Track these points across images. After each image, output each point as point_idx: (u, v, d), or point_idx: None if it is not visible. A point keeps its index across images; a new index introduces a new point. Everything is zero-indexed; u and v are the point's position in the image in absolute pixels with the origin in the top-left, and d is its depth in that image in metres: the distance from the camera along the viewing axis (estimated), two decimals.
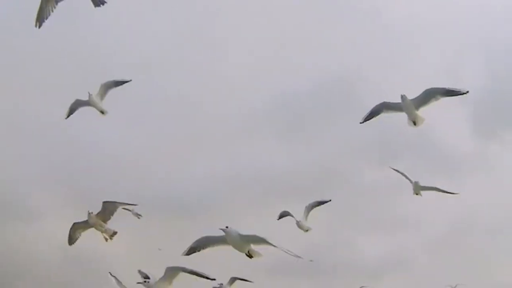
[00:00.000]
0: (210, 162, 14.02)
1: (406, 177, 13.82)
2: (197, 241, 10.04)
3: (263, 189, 15.00)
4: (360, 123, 11.33)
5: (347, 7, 11.82)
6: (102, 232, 12.59)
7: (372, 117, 11.28)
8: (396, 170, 13.96)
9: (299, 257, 9.49)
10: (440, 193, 14.61)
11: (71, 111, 12.86)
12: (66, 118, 12.86)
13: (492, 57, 17.61)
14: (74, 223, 12.53)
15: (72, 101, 12.73)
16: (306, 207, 14.36)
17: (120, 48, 9.75)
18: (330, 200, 14.46)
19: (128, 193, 16.34)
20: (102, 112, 12.85)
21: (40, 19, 9.78)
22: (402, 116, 10.75)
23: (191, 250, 10.11)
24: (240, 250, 9.83)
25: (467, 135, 18.78)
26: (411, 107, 10.76)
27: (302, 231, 14.29)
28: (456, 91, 10.49)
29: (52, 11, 9.77)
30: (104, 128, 15.73)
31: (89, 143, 15.72)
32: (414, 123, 11.11)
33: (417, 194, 14.06)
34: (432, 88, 10.58)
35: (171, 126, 13.83)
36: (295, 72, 14.87)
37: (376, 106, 11.16)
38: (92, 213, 12.32)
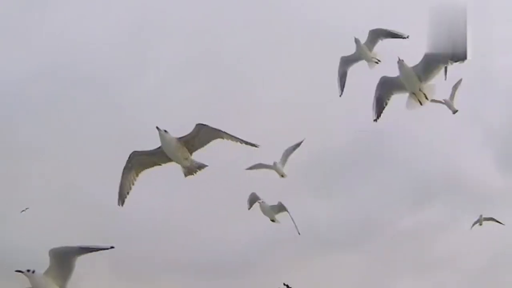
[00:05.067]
0: (250, 222, 14.32)
1: None
2: None
3: (304, 245, 15.22)
4: (374, 120, 9.79)
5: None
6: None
7: (382, 106, 9.71)
8: None
9: None
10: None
11: (253, 168, 13.56)
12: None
13: None
14: None
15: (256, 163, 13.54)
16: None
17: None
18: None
19: (169, 257, 16.64)
20: (282, 176, 13.62)
21: (122, 196, 9.58)
22: None
23: None
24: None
25: (494, 171, 19.00)
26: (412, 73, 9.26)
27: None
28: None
29: (133, 184, 9.45)
30: (144, 194, 16.13)
31: (130, 210, 16.05)
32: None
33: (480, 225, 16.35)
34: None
35: (208, 189, 14.10)
36: (328, 129, 15.28)
37: (377, 88, 9.61)
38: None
